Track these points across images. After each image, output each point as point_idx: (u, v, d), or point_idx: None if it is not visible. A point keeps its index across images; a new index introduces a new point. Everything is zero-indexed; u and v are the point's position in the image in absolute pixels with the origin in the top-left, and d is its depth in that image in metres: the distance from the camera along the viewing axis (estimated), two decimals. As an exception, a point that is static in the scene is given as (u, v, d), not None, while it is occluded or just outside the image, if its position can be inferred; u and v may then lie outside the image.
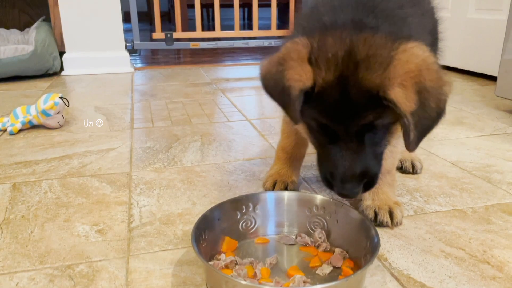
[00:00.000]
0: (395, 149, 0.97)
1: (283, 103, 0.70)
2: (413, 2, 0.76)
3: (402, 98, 0.62)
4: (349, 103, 0.67)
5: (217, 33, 3.06)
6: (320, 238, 0.82)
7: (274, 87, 0.71)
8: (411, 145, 0.65)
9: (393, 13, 0.70)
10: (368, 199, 0.96)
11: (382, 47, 0.65)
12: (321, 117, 0.71)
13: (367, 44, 0.65)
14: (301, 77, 0.67)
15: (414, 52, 0.65)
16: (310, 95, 0.69)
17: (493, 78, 2.36)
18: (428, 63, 0.65)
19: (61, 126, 1.62)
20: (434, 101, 0.64)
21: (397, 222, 0.90)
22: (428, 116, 0.63)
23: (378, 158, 0.75)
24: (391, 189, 0.97)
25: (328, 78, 0.67)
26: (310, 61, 0.68)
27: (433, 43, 0.82)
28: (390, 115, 0.68)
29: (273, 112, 1.84)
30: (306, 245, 0.83)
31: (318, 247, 0.82)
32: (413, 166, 1.17)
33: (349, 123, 0.69)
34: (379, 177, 0.76)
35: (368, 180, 0.74)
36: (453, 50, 2.65)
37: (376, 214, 0.91)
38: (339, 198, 0.86)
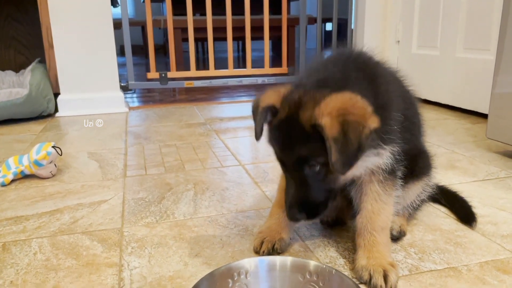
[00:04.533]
0: (386, 206, 0.97)
1: (254, 117, 0.91)
2: (357, 70, 0.91)
3: (328, 124, 0.78)
4: (290, 137, 0.84)
5: (211, 72, 3.10)
6: (313, 306, 0.81)
7: (254, 105, 0.92)
8: (335, 165, 0.78)
9: (341, 76, 0.88)
10: (363, 259, 0.95)
11: (321, 95, 0.82)
12: (275, 148, 0.89)
13: (312, 94, 0.83)
14: (270, 101, 0.88)
15: (343, 96, 0.82)
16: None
17: (484, 116, 2.38)
18: (354, 103, 0.80)
19: (53, 176, 1.62)
20: (354, 132, 0.78)
21: (391, 286, 0.89)
22: (350, 144, 0.78)
23: (325, 192, 0.88)
24: (386, 248, 0.97)
25: (281, 116, 0.85)
26: (282, 101, 0.87)
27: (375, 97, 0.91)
28: (323, 154, 0.80)
29: (267, 156, 1.84)
30: None
31: (311, 315, 0.81)
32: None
33: (289, 155, 0.85)
34: (325, 209, 0.89)
35: (311, 209, 0.88)
36: (444, 88, 2.69)
37: (370, 277, 0.90)
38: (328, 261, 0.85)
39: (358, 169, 0.90)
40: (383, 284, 0.89)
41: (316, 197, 0.87)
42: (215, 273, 0.82)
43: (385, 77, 0.96)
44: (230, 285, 0.83)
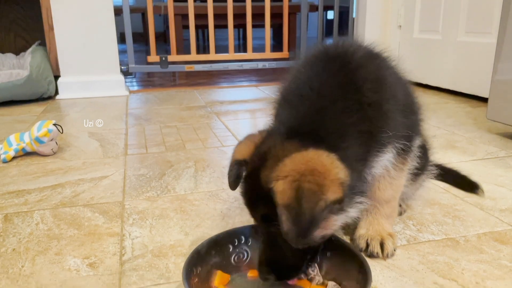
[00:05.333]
0: (395, 181, 0.93)
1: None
2: (339, 94, 0.79)
3: (280, 190, 0.68)
4: (252, 193, 0.76)
5: (212, 56, 3.10)
6: (313, 271, 0.82)
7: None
8: (287, 236, 0.68)
9: (314, 119, 0.77)
10: (363, 228, 0.96)
11: (285, 152, 0.72)
12: (245, 203, 0.80)
13: (278, 149, 0.74)
14: (240, 154, 0.80)
15: (304, 156, 0.71)
16: None
17: (484, 100, 2.38)
18: (314, 166, 0.69)
19: (54, 153, 1.62)
20: (307, 202, 0.67)
21: (387, 254, 0.90)
22: (303, 215, 0.67)
23: (296, 253, 0.77)
24: (387, 220, 0.96)
25: (248, 170, 0.78)
26: (253, 153, 0.79)
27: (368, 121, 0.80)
28: None
29: (267, 136, 1.84)
30: (298, 278, 0.83)
31: (311, 280, 0.82)
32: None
33: (253, 211, 0.78)
34: (297, 272, 0.80)
35: (282, 270, 0.78)
36: (445, 72, 2.68)
37: (367, 245, 0.91)
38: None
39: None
40: (380, 252, 0.90)
41: (287, 258, 0.77)
42: (216, 238, 0.83)
43: (378, 87, 0.82)
44: (230, 250, 0.84)
